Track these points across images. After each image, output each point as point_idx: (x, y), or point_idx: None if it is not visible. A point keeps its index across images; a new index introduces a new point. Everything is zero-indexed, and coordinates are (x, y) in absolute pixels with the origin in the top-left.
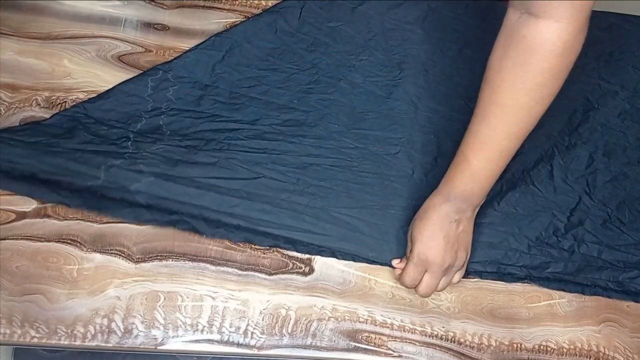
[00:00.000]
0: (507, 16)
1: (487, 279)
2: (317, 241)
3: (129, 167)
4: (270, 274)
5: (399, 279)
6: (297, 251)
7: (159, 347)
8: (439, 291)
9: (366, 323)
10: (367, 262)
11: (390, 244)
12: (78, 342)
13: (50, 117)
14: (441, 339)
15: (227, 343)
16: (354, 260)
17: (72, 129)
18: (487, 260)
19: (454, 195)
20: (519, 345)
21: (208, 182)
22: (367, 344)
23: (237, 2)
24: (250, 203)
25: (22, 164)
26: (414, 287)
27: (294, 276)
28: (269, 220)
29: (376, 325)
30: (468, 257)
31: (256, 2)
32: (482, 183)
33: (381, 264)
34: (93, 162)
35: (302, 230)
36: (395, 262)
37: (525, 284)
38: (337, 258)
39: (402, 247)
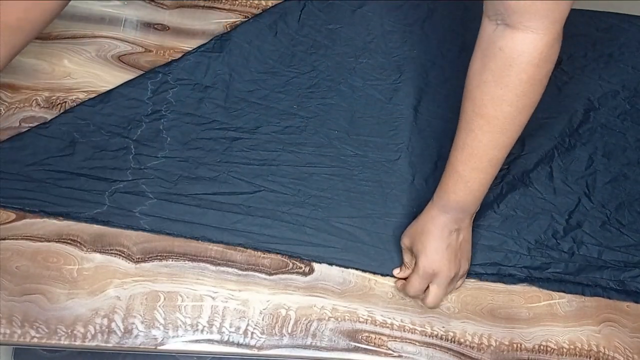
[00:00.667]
0: (482, 27)
1: (487, 280)
2: (318, 253)
3: (132, 190)
4: (270, 274)
5: (402, 289)
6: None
7: (159, 347)
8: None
9: (366, 323)
10: (369, 273)
11: (392, 253)
12: (78, 342)
13: (50, 122)
14: (441, 339)
15: (227, 343)
16: (356, 269)
17: (73, 142)
18: (487, 262)
19: (450, 207)
20: (519, 345)
21: (209, 199)
22: (367, 344)
23: (237, 2)
24: (251, 218)
25: (29, 198)
26: (418, 297)
27: (294, 276)
28: (270, 235)
29: (376, 325)
30: (469, 263)
31: (256, 2)
32: (475, 193)
33: (382, 275)
34: (97, 187)
35: (303, 243)
36: (395, 272)
37: (525, 285)
38: (339, 266)
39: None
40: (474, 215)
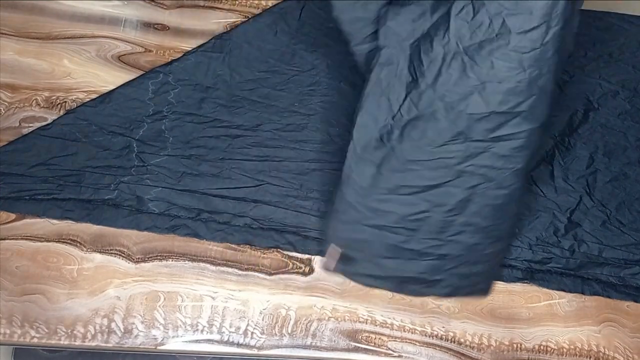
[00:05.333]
0: None
1: None
2: (320, 235)
3: (138, 182)
4: (270, 274)
5: None
6: (297, 251)
7: (159, 347)
8: None
9: (366, 323)
10: None
11: None
12: (78, 342)
13: (51, 123)
14: (441, 339)
15: (227, 343)
16: None
17: (76, 142)
18: None
19: None
20: (519, 345)
21: (213, 193)
22: (367, 344)
23: (237, 2)
24: (254, 204)
25: (36, 190)
26: None
27: (294, 276)
28: (273, 219)
29: (376, 325)
30: None
31: (256, 2)
32: None
33: None
34: (103, 181)
35: (306, 227)
36: None
37: (525, 284)
38: None
39: None
40: None
